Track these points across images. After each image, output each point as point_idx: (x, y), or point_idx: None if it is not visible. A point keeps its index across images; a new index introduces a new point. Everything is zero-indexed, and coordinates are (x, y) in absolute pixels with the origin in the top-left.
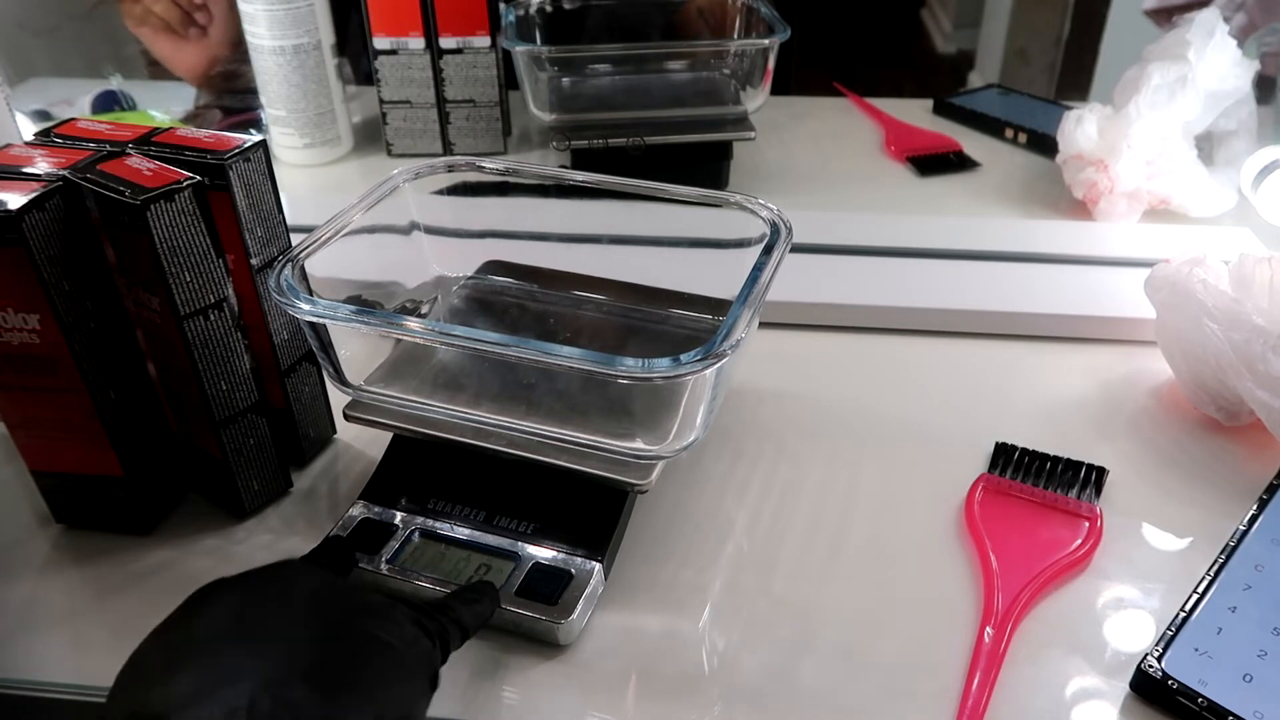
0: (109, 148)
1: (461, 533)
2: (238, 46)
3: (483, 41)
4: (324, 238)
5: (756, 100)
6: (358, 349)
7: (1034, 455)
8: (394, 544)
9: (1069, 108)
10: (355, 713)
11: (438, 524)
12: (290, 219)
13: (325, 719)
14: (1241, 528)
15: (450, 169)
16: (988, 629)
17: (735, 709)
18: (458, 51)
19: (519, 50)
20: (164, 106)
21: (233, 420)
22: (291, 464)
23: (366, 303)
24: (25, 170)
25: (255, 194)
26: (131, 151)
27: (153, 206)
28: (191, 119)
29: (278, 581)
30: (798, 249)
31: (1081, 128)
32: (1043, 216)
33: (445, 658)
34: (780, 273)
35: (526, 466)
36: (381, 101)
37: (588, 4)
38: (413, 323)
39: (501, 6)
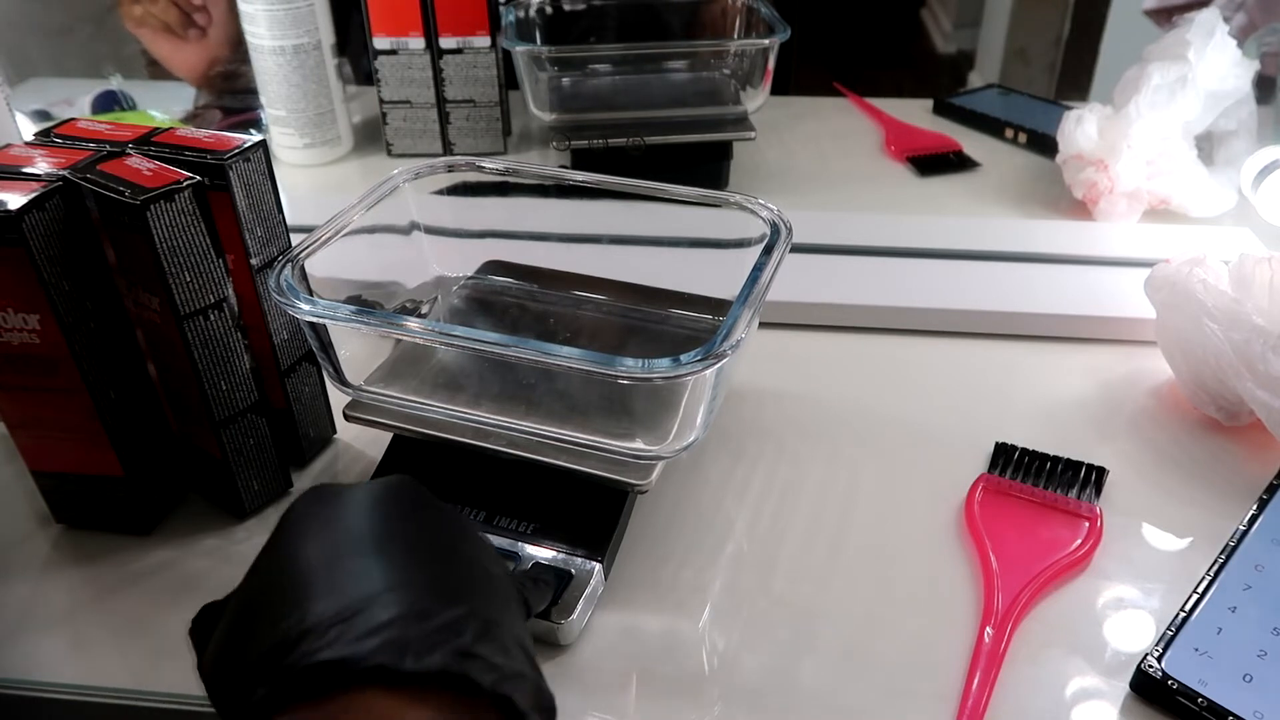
0: (109, 148)
1: None
2: (237, 46)
3: (483, 41)
4: (324, 238)
5: (756, 100)
6: (358, 349)
7: (1034, 455)
8: None
9: (1069, 108)
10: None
11: None
12: (290, 219)
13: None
14: (1241, 528)
15: (450, 169)
16: (988, 629)
17: (735, 709)
18: (458, 51)
19: (519, 50)
20: (164, 106)
21: (233, 420)
22: (291, 464)
23: (366, 303)
24: (25, 170)
25: (255, 194)
26: (131, 151)
27: (153, 206)
28: (191, 119)
29: (395, 493)
30: (798, 249)
31: (1081, 128)
32: (1043, 216)
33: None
34: (780, 273)
35: (526, 466)
36: (381, 101)
37: (588, 4)
38: (413, 323)
39: (501, 6)
